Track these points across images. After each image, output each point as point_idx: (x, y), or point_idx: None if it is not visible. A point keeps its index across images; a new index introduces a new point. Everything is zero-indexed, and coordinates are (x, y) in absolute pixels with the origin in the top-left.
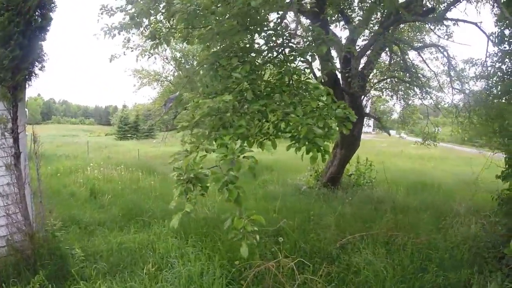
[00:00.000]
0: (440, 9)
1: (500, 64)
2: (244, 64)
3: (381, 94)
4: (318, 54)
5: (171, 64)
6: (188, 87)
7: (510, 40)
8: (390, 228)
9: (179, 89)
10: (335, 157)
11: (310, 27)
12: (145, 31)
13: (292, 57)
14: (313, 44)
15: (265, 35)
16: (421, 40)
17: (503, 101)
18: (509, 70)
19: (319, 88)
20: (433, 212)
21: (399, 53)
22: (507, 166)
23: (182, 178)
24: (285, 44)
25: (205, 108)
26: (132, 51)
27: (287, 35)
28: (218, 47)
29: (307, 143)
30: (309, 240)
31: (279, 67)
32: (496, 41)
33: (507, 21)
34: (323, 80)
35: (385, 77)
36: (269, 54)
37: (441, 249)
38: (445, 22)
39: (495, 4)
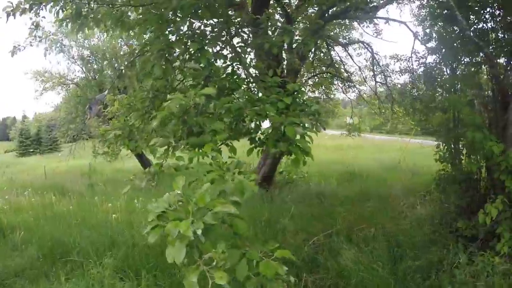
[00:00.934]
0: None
1: (424, 59)
2: (202, 52)
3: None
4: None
5: (78, 64)
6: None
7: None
8: (351, 221)
9: (88, 91)
10: (266, 156)
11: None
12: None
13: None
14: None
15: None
16: (347, 36)
17: (429, 92)
18: (432, 64)
19: (277, 82)
20: (376, 200)
21: (324, 49)
22: (445, 151)
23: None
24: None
25: (173, 107)
26: (41, 41)
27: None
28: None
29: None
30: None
31: (231, 60)
32: (423, 39)
33: (431, 21)
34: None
35: (317, 72)
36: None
37: (408, 233)
38: (375, 20)
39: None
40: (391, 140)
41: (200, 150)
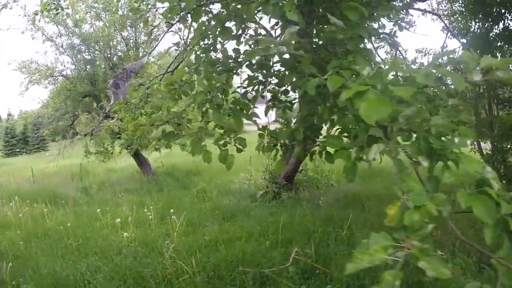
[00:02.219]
0: None
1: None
2: None
3: None
4: None
5: (67, 54)
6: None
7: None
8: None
9: (79, 84)
10: (290, 155)
11: None
12: None
13: None
14: None
15: None
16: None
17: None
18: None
19: None
20: None
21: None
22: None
23: None
24: None
25: None
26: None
27: None
28: None
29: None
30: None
31: None
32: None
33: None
34: None
35: None
36: None
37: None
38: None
39: None
40: None
41: None
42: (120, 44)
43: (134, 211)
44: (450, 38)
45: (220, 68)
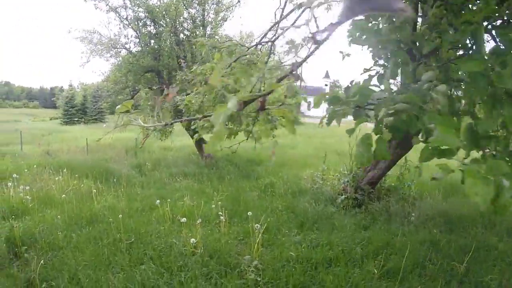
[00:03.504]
0: None
1: None
2: None
3: None
4: None
5: (131, 27)
6: None
7: None
8: None
9: (142, 59)
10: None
11: None
12: None
13: None
14: None
15: None
16: None
17: None
18: None
19: None
20: None
21: None
22: None
23: None
24: None
25: None
26: None
27: None
28: None
29: None
30: None
31: None
32: None
33: None
34: None
35: None
36: None
37: None
38: None
39: None
40: None
41: None
42: (187, 21)
43: (195, 202)
44: None
45: None
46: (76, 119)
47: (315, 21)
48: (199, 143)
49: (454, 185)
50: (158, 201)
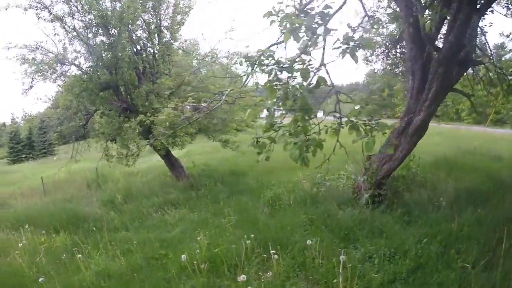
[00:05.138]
0: None
1: None
2: None
3: None
4: None
5: (80, 38)
6: None
7: None
8: None
9: (96, 74)
10: (397, 149)
11: None
12: None
13: None
14: None
15: None
16: None
17: None
18: None
19: None
20: None
21: None
22: None
23: None
24: None
25: None
26: None
27: None
28: None
29: None
30: None
31: None
32: None
33: None
34: None
35: None
36: None
37: None
38: None
39: None
40: (454, 129)
41: None
42: (142, 27)
43: (207, 238)
44: None
45: None
46: (23, 156)
47: None
48: (169, 159)
49: (449, 161)
50: (161, 251)
